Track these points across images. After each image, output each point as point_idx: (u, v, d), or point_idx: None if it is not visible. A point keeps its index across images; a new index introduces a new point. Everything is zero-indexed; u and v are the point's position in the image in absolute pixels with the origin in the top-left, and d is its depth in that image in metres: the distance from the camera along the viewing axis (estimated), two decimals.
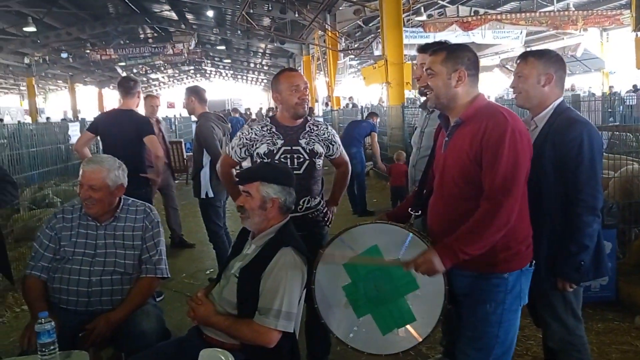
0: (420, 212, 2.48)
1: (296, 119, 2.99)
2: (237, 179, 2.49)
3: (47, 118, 27.42)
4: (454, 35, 15.48)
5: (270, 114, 13.23)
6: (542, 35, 23.17)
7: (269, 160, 2.92)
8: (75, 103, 34.13)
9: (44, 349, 2.05)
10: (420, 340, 2.24)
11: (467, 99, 2.17)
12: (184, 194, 10.44)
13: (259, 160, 2.96)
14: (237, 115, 18.44)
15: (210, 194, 4.82)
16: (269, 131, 2.98)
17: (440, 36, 15.09)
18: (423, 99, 3.26)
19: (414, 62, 14.44)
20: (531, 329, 3.53)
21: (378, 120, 9.24)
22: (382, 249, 2.26)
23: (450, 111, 2.23)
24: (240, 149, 3.04)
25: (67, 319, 2.49)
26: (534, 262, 2.23)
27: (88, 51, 24.53)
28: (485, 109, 2.13)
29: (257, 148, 2.97)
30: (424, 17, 16.51)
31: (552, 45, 20.78)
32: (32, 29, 19.64)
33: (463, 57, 2.16)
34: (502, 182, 1.99)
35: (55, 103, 43.87)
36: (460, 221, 2.09)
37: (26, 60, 25.71)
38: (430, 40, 13.36)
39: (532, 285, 2.26)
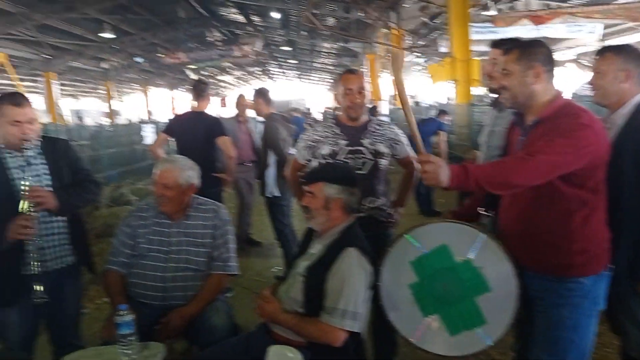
0: (490, 211, 2.42)
1: (351, 120, 2.98)
2: (302, 180, 2.53)
3: (129, 120, 28.78)
4: (524, 30, 14.92)
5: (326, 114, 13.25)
6: (620, 29, 21.91)
7: (333, 160, 2.94)
8: (148, 105, 35.65)
9: (123, 340, 2.17)
10: (491, 343, 2.20)
11: (546, 97, 2.10)
12: None
13: (322, 161, 2.99)
14: (297, 114, 18.62)
15: (276, 193, 4.91)
16: (332, 132, 2.99)
17: (509, 31, 14.58)
18: (493, 96, 3.17)
19: (483, 58, 14.06)
20: (609, 336, 3.36)
21: (448, 118, 9.05)
22: (451, 249, 2.23)
23: (527, 110, 2.17)
24: (306, 150, 3.08)
25: (144, 313, 2.61)
26: (612, 266, 2.13)
27: (160, 55, 25.52)
28: (564, 108, 2.05)
29: (320, 149, 2.99)
30: (493, 12, 16.02)
31: (631, 39, 19.62)
32: (109, 35, 20.68)
33: (537, 53, 2.10)
34: (548, 150, 1.92)
35: (131, 105, 45.95)
36: (532, 222, 2.03)
37: (104, 65, 27.10)
38: (499, 35, 12.97)
39: (611, 290, 2.16)
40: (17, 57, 22.67)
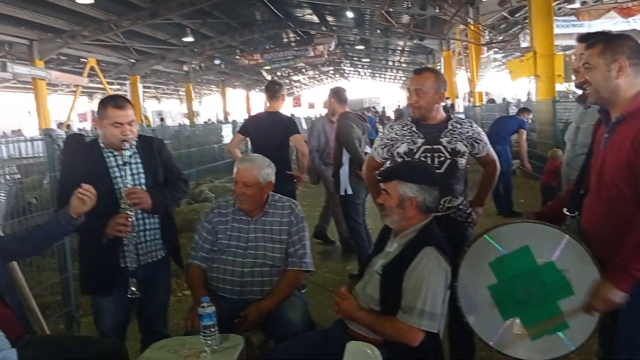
0: (575, 212, 2.32)
1: (425, 119, 2.93)
2: (379, 177, 2.52)
3: (209, 119, 29.85)
4: (611, 23, 14.08)
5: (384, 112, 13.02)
6: None
7: (409, 159, 2.90)
8: (226, 106, 36.78)
9: (205, 331, 2.26)
10: (573, 349, 2.11)
11: (631, 91, 2.00)
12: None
13: (399, 160, 2.96)
14: (369, 114, 18.53)
15: (350, 191, 4.93)
16: (409, 130, 2.96)
17: (596, 25, 13.80)
18: (579, 92, 3.03)
19: (568, 52, 13.42)
20: None
21: (530, 116, 8.71)
22: (533, 251, 2.15)
23: (611, 106, 2.07)
24: (382, 149, 3.06)
25: (223, 306, 2.69)
26: None
27: (237, 57, 26.28)
28: None
29: (397, 147, 2.96)
30: (577, 5, 15.24)
31: None
32: (190, 39, 21.55)
33: (622, 46, 2.00)
34: None
35: (208, 106, 47.58)
36: (617, 224, 1.94)
37: (185, 68, 28.26)
38: (583, 29, 12.33)
39: None
40: (106, 62, 24.12)
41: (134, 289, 2.73)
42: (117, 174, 2.81)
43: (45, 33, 18.24)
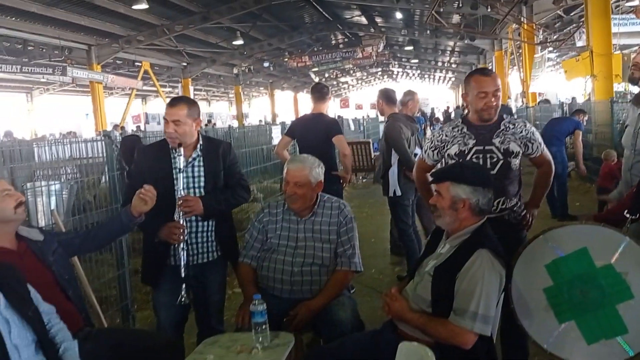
0: (637, 215, 2.23)
1: (482, 120, 2.88)
2: (431, 178, 2.50)
3: (260, 121, 30.23)
4: None
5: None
6: None
7: (461, 160, 2.86)
8: (274, 107, 37.19)
9: (257, 328, 2.30)
10: (632, 355, 2.03)
11: None
12: (371, 192, 10.75)
13: (450, 162, 2.92)
14: (418, 115, 18.32)
15: (398, 193, 4.90)
16: (460, 131, 2.91)
17: None
18: (636, 90, 2.91)
19: (626, 52, 12.89)
20: None
21: (585, 118, 8.41)
22: (591, 253, 2.09)
23: None
24: (433, 151, 3.02)
25: (273, 304, 2.71)
26: None
27: (286, 59, 26.55)
28: None
29: (448, 149, 2.92)
30: (636, 2, 14.63)
31: None
32: (240, 42, 21.92)
33: None
34: None
35: (257, 108, 48.22)
36: None
37: (234, 71, 28.76)
38: None
39: None
40: (159, 65, 24.84)
41: (183, 294, 2.80)
42: (179, 176, 2.86)
43: (103, 38, 18.99)
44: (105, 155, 4.11)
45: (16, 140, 14.10)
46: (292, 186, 2.92)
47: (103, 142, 4.06)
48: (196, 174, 2.93)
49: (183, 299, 2.80)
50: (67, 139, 11.37)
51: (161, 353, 2.54)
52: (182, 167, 2.83)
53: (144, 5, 15.26)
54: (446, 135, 2.96)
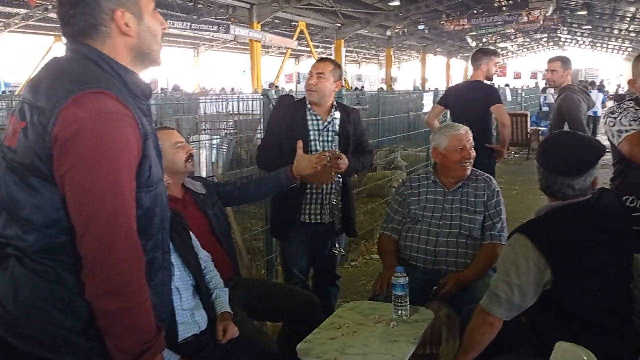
0: None
1: None
2: None
3: (416, 87, 29.77)
4: None
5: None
6: None
7: None
8: (424, 72, 36.23)
9: (398, 300, 2.27)
10: None
11: None
12: (523, 169, 10.12)
13: None
14: (593, 89, 16.61)
15: None
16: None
17: None
18: None
19: None
20: None
21: None
22: None
23: None
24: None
25: (414, 275, 2.66)
26: None
27: (442, 22, 25.51)
28: None
29: None
30: None
31: None
32: (396, 3, 21.51)
33: None
34: None
35: (406, 72, 47.40)
36: None
37: (388, 33, 28.37)
38: None
39: None
40: (314, 26, 25.31)
41: (337, 245, 3.12)
42: (313, 137, 3.01)
43: None
44: (262, 113, 4.28)
45: (184, 93, 15.39)
46: (460, 153, 2.88)
47: (261, 101, 4.22)
48: (330, 138, 3.03)
49: (337, 249, 3.11)
50: (225, 96, 12.13)
51: (302, 307, 2.65)
52: (320, 128, 2.98)
53: None
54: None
